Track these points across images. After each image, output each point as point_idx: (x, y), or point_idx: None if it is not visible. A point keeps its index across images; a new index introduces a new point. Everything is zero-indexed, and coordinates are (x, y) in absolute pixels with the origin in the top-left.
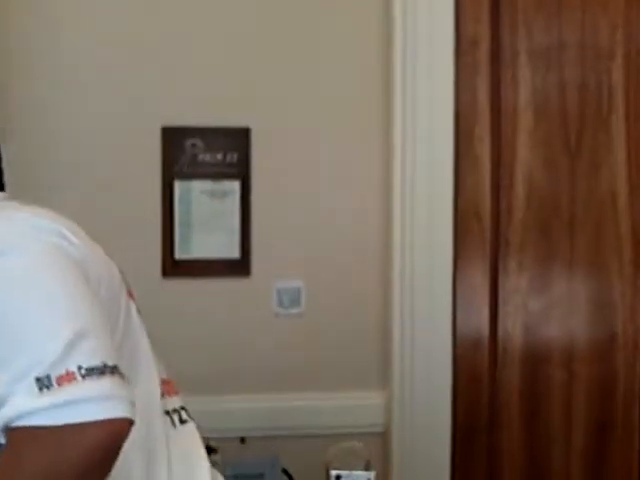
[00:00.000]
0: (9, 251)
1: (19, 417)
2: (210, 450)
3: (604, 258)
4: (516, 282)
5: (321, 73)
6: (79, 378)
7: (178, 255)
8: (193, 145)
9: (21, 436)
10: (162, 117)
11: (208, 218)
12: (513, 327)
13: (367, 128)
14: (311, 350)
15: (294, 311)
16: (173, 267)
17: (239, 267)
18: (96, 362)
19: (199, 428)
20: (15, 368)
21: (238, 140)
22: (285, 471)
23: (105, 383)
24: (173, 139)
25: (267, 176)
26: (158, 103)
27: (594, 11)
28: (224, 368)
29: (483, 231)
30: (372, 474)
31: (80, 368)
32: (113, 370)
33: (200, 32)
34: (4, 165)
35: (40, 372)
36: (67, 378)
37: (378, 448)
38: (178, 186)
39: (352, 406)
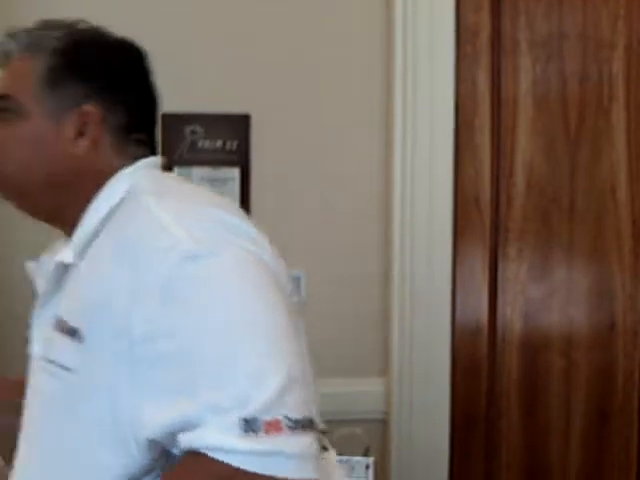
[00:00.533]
0: (204, 256)
1: (210, 449)
2: None
3: (604, 247)
4: (516, 270)
5: (321, 61)
6: (285, 429)
7: None
8: (193, 132)
9: (205, 466)
10: (162, 104)
11: None
12: (512, 315)
13: (367, 117)
14: (311, 338)
15: (294, 300)
16: None
17: None
18: (302, 414)
19: None
20: (210, 399)
21: (238, 127)
22: None
23: (307, 440)
24: (173, 125)
25: (267, 163)
26: (158, 90)
27: (595, 1)
28: None
29: (483, 220)
30: (371, 460)
31: (287, 418)
32: (312, 424)
33: (200, 19)
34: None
35: (247, 414)
36: (274, 427)
37: (378, 434)
38: (178, 172)
39: (352, 393)
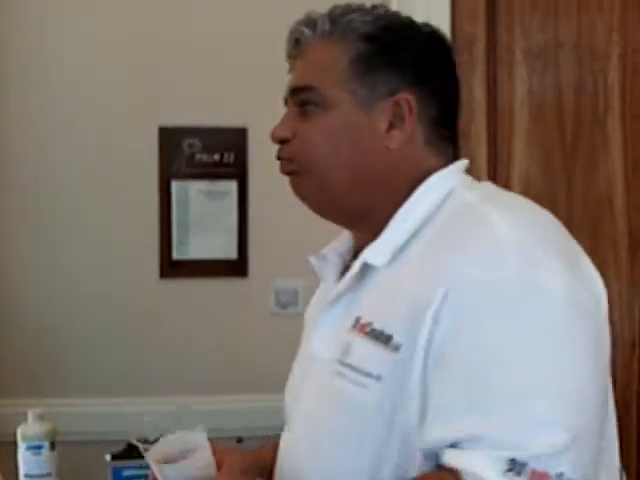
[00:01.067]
0: (525, 282)
1: (469, 474)
2: None
3: (600, 257)
4: None
5: None
6: None
7: (175, 256)
8: (190, 145)
9: None
10: (159, 117)
11: (205, 218)
12: None
13: None
14: None
15: (292, 311)
16: (170, 268)
17: (237, 267)
18: (576, 476)
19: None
20: (495, 426)
21: (235, 140)
22: None
23: None
24: (170, 139)
25: (264, 176)
26: (155, 103)
27: (590, 11)
28: (221, 368)
29: None
30: None
31: (560, 476)
32: None
33: (198, 32)
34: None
35: (520, 456)
36: (540, 478)
37: None
38: (175, 186)
39: None
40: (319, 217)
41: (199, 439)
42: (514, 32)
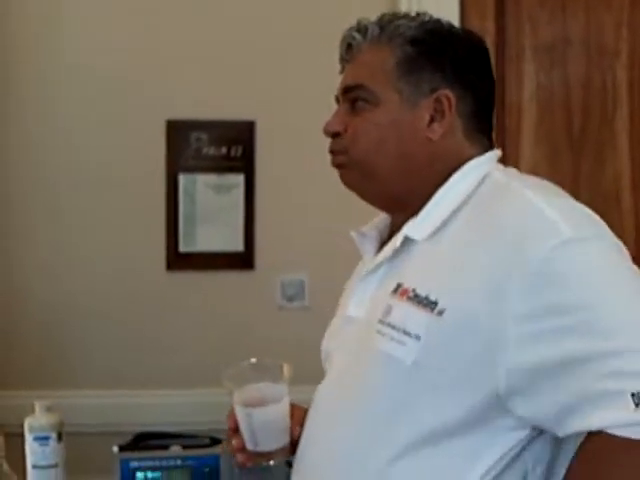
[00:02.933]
0: (582, 240)
1: (614, 426)
2: (216, 441)
3: None
4: None
5: (326, 67)
6: None
7: (182, 248)
8: (198, 138)
9: (611, 445)
10: (167, 110)
11: (212, 211)
12: None
13: None
14: (315, 343)
15: (298, 304)
16: (177, 260)
17: (243, 260)
18: None
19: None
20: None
21: (243, 133)
22: (289, 463)
23: None
24: (178, 132)
25: (271, 170)
26: (163, 96)
27: (598, 8)
28: (229, 361)
29: None
30: None
31: None
32: None
33: (205, 26)
34: None
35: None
36: None
37: None
38: (183, 179)
39: None
40: (324, 211)
41: (281, 390)
42: (523, 28)
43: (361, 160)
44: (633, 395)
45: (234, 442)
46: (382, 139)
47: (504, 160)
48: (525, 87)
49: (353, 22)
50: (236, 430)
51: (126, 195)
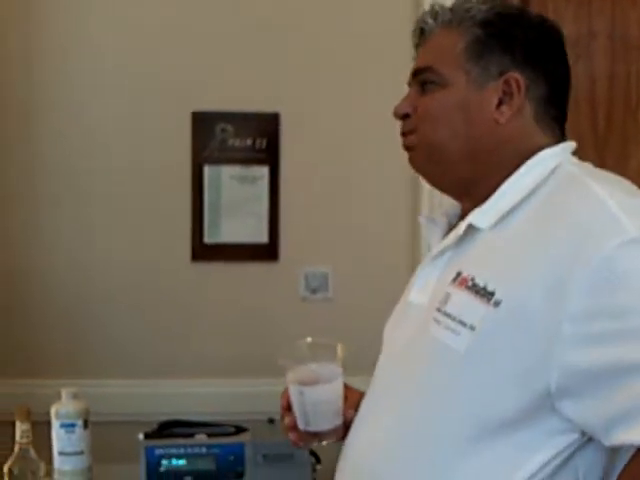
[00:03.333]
0: None
1: None
2: (240, 430)
3: None
4: None
5: (350, 60)
6: None
7: (207, 239)
8: (223, 130)
9: None
10: (192, 102)
11: (237, 203)
12: None
13: None
14: (338, 334)
15: (321, 296)
16: (202, 251)
17: (267, 252)
18: None
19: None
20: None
21: (268, 125)
22: (312, 452)
23: None
24: (203, 124)
25: (296, 162)
26: (189, 88)
27: (623, 1)
28: (252, 351)
29: None
30: None
31: None
32: None
33: (230, 17)
34: None
35: None
36: None
37: None
38: (208, 171)
39: None
40: (348, 204)
41: (335, 370)
42: None
43: (429, 140)
44: None
45: (286, 420)
46: (449, 120)
47: None
48: None
49: (379, 16)
50: (288, 409)
51: (152, 186)
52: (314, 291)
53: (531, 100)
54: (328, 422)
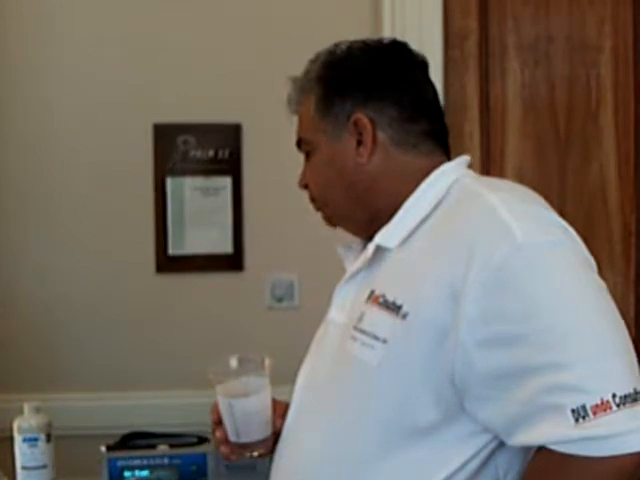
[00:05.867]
0: (533, 247)
1: (552, 442)
2: (203, 440)
3: (594, 250)
4: None
5: None
6: (614, 407)
7: (172, 251)
8: (185, 142)
9: (553, 460)
10: (154, 114)
11: (201, 214)
12: None
13: None
14: (305, 342)
15: (287, 304)
16: (167, 263)
17: (232, 262)
18: (629, 389)
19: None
20: (550, 382)
21: (230, 136)
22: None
23: (638, 412)
24: (165, 136)
25: (259, 172)
26: (150, 100)
27: (581, 4)
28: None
29: None
30: None
31: (614, 396)
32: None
33: (191, 29)
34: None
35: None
36: (602, 408)
37: None
38: (170, 183)
39: None
40: (312, 211)
41: (262, 382)
42: (506, 26)
43: (324, 202)
44: (573, 411)
45: (217, 434)
46: (326, 179)
47: (490, 159)
48: (509, 85)
49: (338, 22)
50: (219, 423)
51: (114, 199)
52: (280, 300)
53: (385, 129)
54: (259, 432)
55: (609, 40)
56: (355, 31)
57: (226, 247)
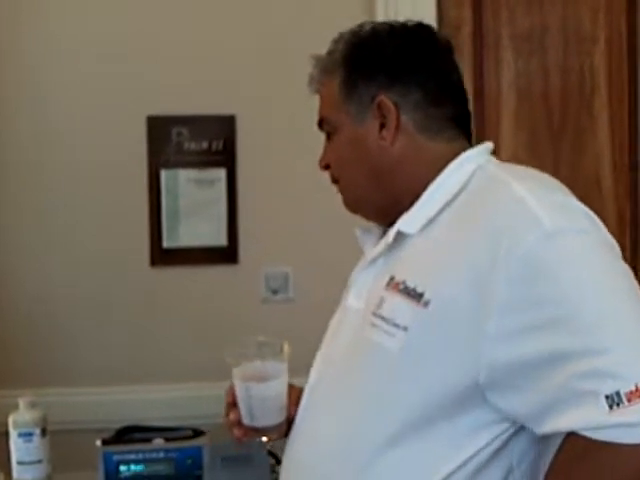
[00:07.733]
0: (562, 235)
1: (586, 429)
2: (198, 433)
3: None
4: None
5: (305, 60)
6: None
7: (166, 244)
8: (179, 134)
9: (585, 447)
10: (147, 106)
11: (195, 206)
12: None
13: None
14: (300, 335)
15: (282, 296)
16: (161, 256)
17: (227, 254)
18: None
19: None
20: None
21: (224, 128)
22: (271, 453)
23: None
24: (158, 128)
25: (253, 163)
26: (143, 92)
27: None
28: (213, 355)
29: None
30: None
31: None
32: None
33: (184, 20)
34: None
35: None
36: (637, 394)
37: None
38: (164, 175)
39: None
40: (307, 204)
41: (280, 367)
42: (500, 16)
43: (346, 183)
44: (607, 397)
45: (231, 416)
46: (349, 160)
47: None
48: (503, 75)
49: (332, 14)
50: (234, 405)
51: (108, 192)
52: (275, 292)
53: (409, 113)
54: (274, 418)
55: (603, 30)
56: (348, 20)
57: (221, 239)
